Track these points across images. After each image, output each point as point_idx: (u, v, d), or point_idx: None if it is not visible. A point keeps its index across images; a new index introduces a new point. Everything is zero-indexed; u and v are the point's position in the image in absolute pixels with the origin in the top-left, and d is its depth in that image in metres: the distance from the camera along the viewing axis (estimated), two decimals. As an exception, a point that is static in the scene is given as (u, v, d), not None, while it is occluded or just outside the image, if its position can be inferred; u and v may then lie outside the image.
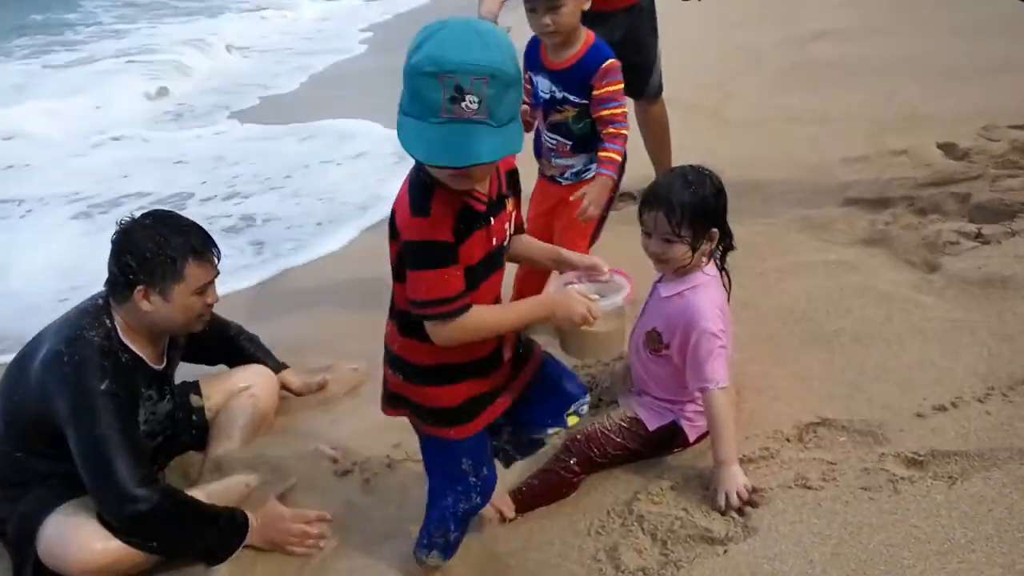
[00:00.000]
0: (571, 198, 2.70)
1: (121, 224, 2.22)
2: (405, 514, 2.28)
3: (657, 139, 4.12)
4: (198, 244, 2.22)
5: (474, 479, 1.85)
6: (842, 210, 3.68)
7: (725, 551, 1.94)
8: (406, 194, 1.61)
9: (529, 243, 1.96)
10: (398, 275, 1.70)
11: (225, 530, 2.15)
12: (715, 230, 2.21)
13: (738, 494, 2.05)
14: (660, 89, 3.99)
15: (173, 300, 2.18)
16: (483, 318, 1.67)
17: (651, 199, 2.21)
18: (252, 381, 2.71)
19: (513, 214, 1.79)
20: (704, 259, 2.24)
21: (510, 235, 1.80)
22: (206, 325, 2.41)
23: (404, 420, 1.91)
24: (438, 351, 1.70)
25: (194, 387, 2.65)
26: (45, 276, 4.56)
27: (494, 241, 1.70)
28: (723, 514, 2.05)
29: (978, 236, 3.12)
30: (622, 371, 2.53)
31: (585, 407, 2.03)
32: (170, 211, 2.33)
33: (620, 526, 2.10)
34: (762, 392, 2.49)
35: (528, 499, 2.23)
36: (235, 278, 4.10)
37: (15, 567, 2.15)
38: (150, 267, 2.15)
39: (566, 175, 2.93)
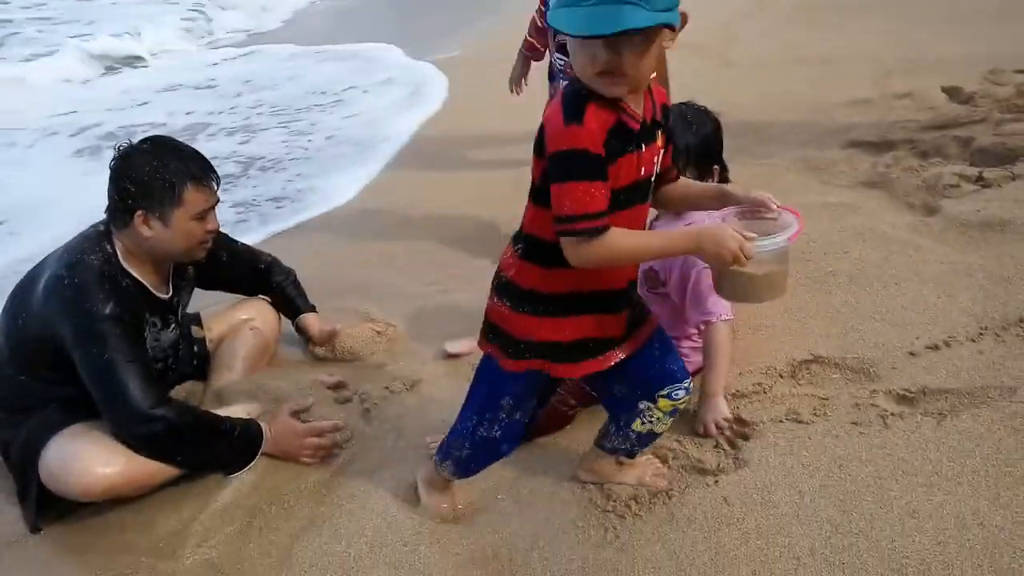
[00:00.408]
0: None
1: (119, 149, 2.20)
2: (405, 443, 2.32)
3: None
4: (197, 169, 2.21)
5: (504, 416, 1.82)
6: (844, 152, 3.66)
7: (716, 481, 1.98)
8: (559, 106, 1.52)
9: (688, 184, 1.83)
10: (537, 195, 1.62)
11: (241, 442, 2.22)
12: (716, 167, 2.19)
13: (718, 425, 2.12)
14: None
15: (173, 225, 2.18)
16: (624, 240, 1.55)
17: None
18: (254, 314, 2.73)
19: (663, 152, 1.67)
20: None
21: (657, 171, 1.67)
22: (226, 255, 2.49)
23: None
24: (557, 278, 1.64)
25: (195, 319, 2.66)
26: (48, 214, 4.51)
27: (643, 171, 1.59)
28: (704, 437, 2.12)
29: (979, 179, 3.11)
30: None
31: (681, 393, 1.83)
32: (169, 136, 2.31)
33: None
34: (757, 330, 2.51)
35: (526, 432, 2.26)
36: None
37: (19, 489, 2.18)
38: (149, 191, 2.14)
39: None
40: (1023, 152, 3.23)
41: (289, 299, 2.81)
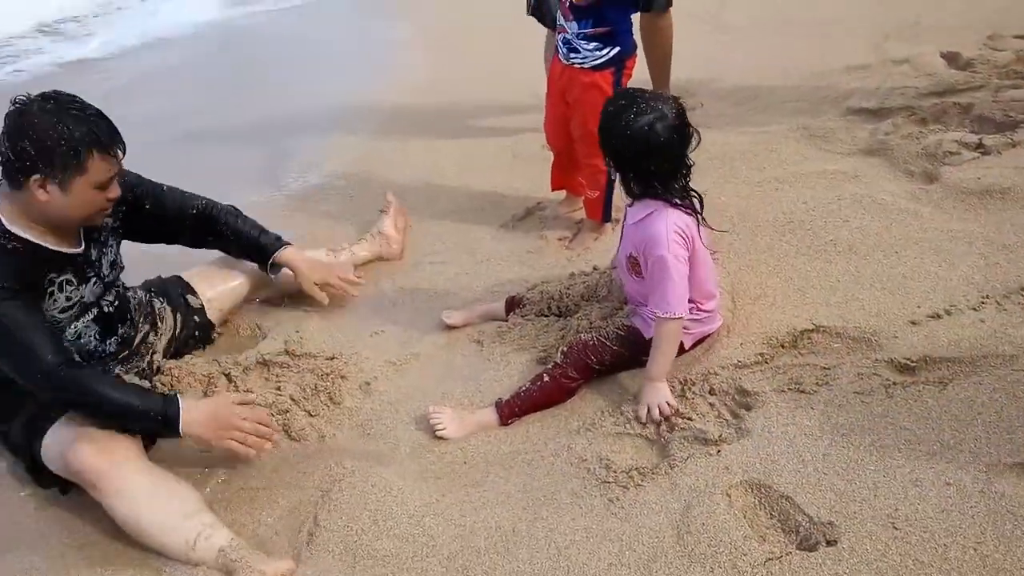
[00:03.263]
0: None
1: (16, 103, 1.98)
2: (406, 415, 2.32)
3: (660, 55, 3.95)
4: (105, 136, 2.01)
5: None
6: (842, 119, 3.62)
7: (718, 451, 1.98)
8: None
9: None
10: None
11: (157, 423, 2.05)
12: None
13: (660, 409, 2.12)
14: (670, 1, 3.82)
15: (72, 193, 2.01)
16: None
17: None
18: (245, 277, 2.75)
19: None
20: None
21: None
22: (150, 203, 2.36)
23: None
24: None
25: (186, 287, 2.62)
26: None
27: None
28: (643, 424, 2.13)
29: (979, 147, 3.08)
30: (620, 281, 2.53)
31: None
32: (73, 95, 2.08)
33: (613, 427, 2.14)
34: (758, 300, 2.50)
35: (525, 405, 2.26)
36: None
37: (28, 464, 2.18)
38: (50, 156, 1.95)
39: (567, 48, 2.85)
40: (1023, 119, 3.21)
41: (249, 239, 2.55)
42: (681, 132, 2.12)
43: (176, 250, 2.67)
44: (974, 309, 2.28)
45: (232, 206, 2.65)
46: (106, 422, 2.05)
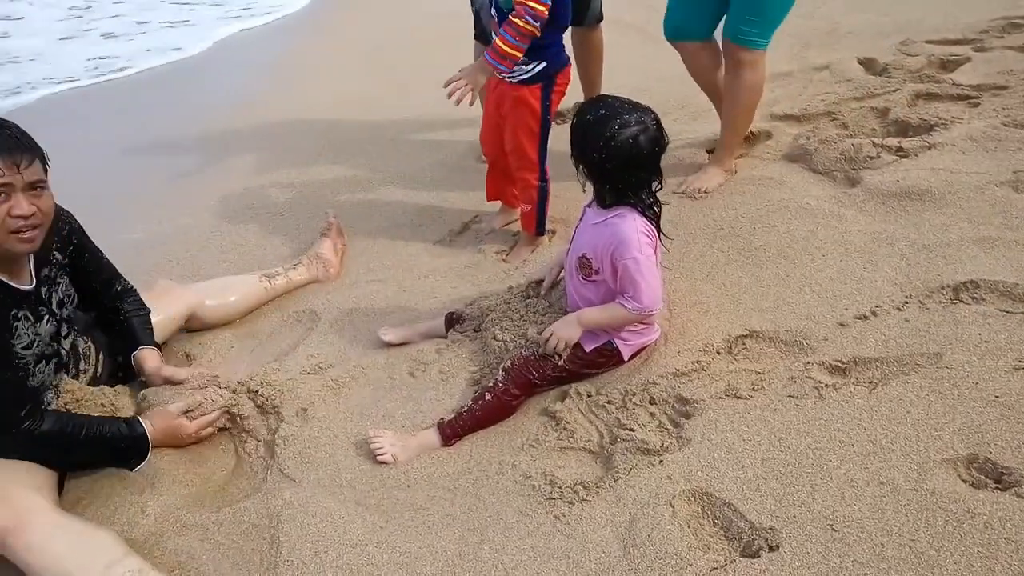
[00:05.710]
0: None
1: None
2: (345, 440, 2.27)
3: (594, 67, 4.08)
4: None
5: None
6: (767, 126, 3.71)
7: (661, 461, 1.99)
8: None
9: None
10: None
11: (126, 448, 2.19)
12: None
13: (558, 343, 2.25)
14: (600, 16, 3.91)
15: None
16: None
17: None
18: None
19: None
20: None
21: None
22: (89, 256, 2.34)
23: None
24: None
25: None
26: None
27: None
28: (536, 342, 2.31)
29: (898, 150, 3.19)
30: (558, 296, 2.53)
31: None
32: None
33: (556, 442, 2.14)
34: (692, 307, 2.54)
35: (468, 425, 2.24)
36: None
37: None
38: None
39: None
40: (937, 122, 3.34)
41: (132, 330, 2.49)
42: (660, 143, 2.16)
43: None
44: (898, 309, 2.36)
45: (146, 305, 2.57)
46: (74, 459, 2.17)
